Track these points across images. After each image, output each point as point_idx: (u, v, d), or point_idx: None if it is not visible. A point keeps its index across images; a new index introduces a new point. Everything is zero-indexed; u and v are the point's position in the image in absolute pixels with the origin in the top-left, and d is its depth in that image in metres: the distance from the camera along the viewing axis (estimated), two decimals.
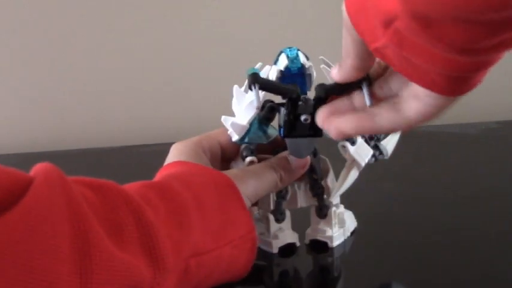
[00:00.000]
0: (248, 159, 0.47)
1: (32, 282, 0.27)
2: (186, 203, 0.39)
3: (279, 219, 0.49)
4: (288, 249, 0.49)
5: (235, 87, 0.46)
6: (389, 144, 0.49)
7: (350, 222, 0.52)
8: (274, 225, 0.49)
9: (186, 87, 0.91)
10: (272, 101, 0.44)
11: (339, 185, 0.49)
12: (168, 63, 0.90)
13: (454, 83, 0.31)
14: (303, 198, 0.49)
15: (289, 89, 0.40)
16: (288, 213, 0.50)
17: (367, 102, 0.37)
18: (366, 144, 0.48)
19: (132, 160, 0.80)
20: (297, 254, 0.49)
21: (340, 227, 0.50)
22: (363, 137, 0.48)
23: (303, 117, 0.41)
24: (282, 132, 0.42)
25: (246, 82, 0.45)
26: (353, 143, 0.47)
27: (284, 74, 0.41)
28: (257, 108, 0.40)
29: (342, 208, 0.51)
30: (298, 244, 0.50)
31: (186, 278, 0.37)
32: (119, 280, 0.31)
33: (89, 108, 0.91)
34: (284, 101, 0.41)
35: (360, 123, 0.37)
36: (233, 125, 0.45)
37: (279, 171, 0.46)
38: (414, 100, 0.35)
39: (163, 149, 0.48)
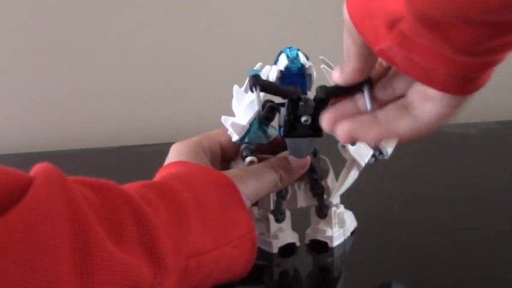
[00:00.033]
0: (248, 159, 0.47)
1: (32, 282, 0.27)
2: (186, 203, 0.39)
3: (279, 219, 0.49)
4: (288, 249, 0.49)
5: (235, 87, 0.46)
6: (389, 144, 0.49)
7: (350, 222, 0.52)
8: (274, 225, 0.49)
9: (186, 87, 0.91)
10: (272, 101, 0.44)
11: (339, 185, 0.49)
12: (168, 63, 0.90)
13: (461, 82, 0.31)
14: (303, 198, 0.49)
15: (290, 91, 0.40)
16: (288, 213, 0.50)
17: (368, 106, 0.37)
18: (365, 144, 0.48)
19: (132, 160, 0.80)
20: (297, 254, 0.49)
21: (340, 227, 0.50)
22: None
23: (303, 119, 0.41)
24: (281, 132, 0.42)
25: (246, 82, 0.45)
26: (353, 143, 0.47)
27: (284, 74, 0.41)
28: (258, 111, 0.40)
29: (342, 208, 0.51)
30: (298, 244, 0.50)
31: (186, 278, 0.37)
32: (120, 280, 0.32)
33: (89, 108, 0.91)
34: (284, 101, 0.42)
35: (378, 132, 0.37)
36: (233, 125, 0.45)
37: (279, 171, 0.46)
38: (427, 102, 0.34)
39: (163, 149, 0.48)
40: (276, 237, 0.49)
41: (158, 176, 0.44)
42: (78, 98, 0.90)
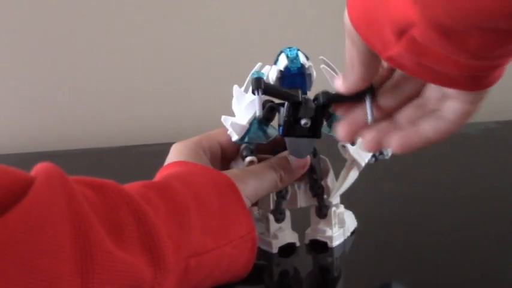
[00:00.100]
0: (248, 159, 0.47)
1: (32, 282, 0.27)
2: (186, 203, 0.39)
3: (279, 219, 0.49)
4: (288, 249, 0.49)
5: (235, 87, 0.46)
6: None
7: (350, 222, 0.52)
8: (274, 225, 0.49)
9: (186, 87, 0.91)
10: (272, 101, 0.44)
11: (339, 185, 0.49)
12: (168, 63, 0.90)
13: (475, 80, 0.31)
14: (302, 198, 0.49)
15: (292, 94, 0.40)
16: (287, 213, 0.50)
17: (369, 118, 0.37)
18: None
19: (132, 160, 0.80)
20: (296, 254, 0.49)
21: (340, 227, 0.50)
22: None
23: (303, 121, 0.41)
24: (281, 130, 0.42)
25: (246, 82, 0.45)
26: (353, 143, 0.47)
27: (284, 74, 0.41)
28: (258, 117, 0.39)
29: (341, 208, 0.51)
30: (298, 244, 0.50)
31: (186, 278, 0.37)
32: (120, 280, 0.32)
33: (89, 108, 0.91)
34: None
35: (403, 137, 0.37)
36: (233, 124, 0.45)
37: (279, 171, 0.46)
38: (447, 101, 0.35)
39: (163, 149, 0.48)
40: (275, 237, 0.49)
41: (158, 176, 0.44)
42: (78, 98, 0.90)
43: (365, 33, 0.32)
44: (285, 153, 0.47)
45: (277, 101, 0.43)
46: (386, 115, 0.38)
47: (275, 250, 0.49)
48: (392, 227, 0.54)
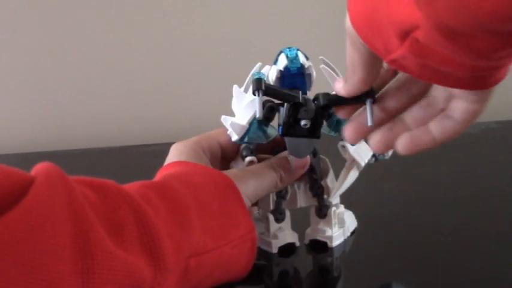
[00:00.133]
0: (248, 159, 0.47)
1: (32, 282, 0.27)
2: (186, 202, 0.39)
3: (279, 219, 0.49)
4: (288, 249, 0.49)
5: (235, 87, 0.46)
6: None
7: (350, 222, 0.52)
8: (274, 225, 0.49)
9: (186, 87, 0.91)
10: (272, 101, 0.44)
11: (339, 185, 0.49)
12: (168, 63, 0.90)
13: (480, 79, 0.31)
14: (302, 198, 0.49)
15: (293, 96, 0.40)
16: (287, 213, 0.50)
17: (369, 122, 0.37)
18: (365, 144, 0.48)
19: (132, 160, 0.80)
20: (296, 253, 0.49)
21: (340, 227, 0.50)
22: None
23: (302, 122, 0.41)
24: (280, 130, 0.43)
25: (246, 82, 0.45)
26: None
27: (283, 74, 0.41)
28: (258, 118, 0.39)
29: (341, 208, 0.51)
30: (297, 244, 0.50)
31: (186, 278, 0.37)
32: (120, 280, 0.32)
33: (89, 108, 0.91)
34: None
35: (411, 136, 0.37)
36: (233, 124, 0.45)
37: (279, 171, 0.46)
38: (454, 100, 0.35)
39: (163, 149, 0.48)
40: (275, 237, 0.49)
41: (158, 176, 0.44)
42: (78, 98, 0.90)
43: (367, 36, 0.31)
44: (284, 153, 0.47)
45: (276, 100, 0.43)
46: (393, 115, 0.38)
47: (275, 250, 0.49)
48: (392, 227, 0.54)
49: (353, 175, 0.49)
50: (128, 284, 0.32)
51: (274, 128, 0.46)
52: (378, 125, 0.38)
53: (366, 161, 0.49)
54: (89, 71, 0.89)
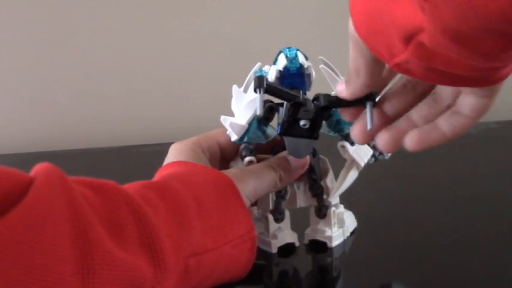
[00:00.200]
0: (247, 159, 0.47)
1: (32, 283, 0.27)
2: (185, 202, 0.39)
3: (278, 219, 0.49)
4: (287, 249, 0.49)
5: (235, 87, 0.46)
6: None
7: (350, 222, 0.52)
8: (273, 225, 0.49)
9: (186, 87, 0.91)
10: (271, 101, 0.44)
11: (338, 185, 0.49)
12: (168, 63, 0.90)
13: (486, 78, 0.31)
14: (302, 198, 0.49)
15: (293, 95, 0.40)
16: (287, 213, 0.50)
17: (368, 125, 0.37)
18: (365, 144, 0.48)
19: (132, 160, 0.80)
20: (296, 254, 0.50)
21: (340, 227, 0.50)
22: None
23: (302, 122, 0.41)
24: (279, 129, 0.43)
25: (246, 81, 0.45)
26: (352, 143, 0.47)
27: (283, 74, 0.41)
28: (258, 115, 0.39)
29: (341, 208, 0.51)
30: (297, 244, 0.50)
31: (186, 278, 0.37)
32: (121, 280, 0.32)
33: (89, 108, 0.91)
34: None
35: (419, 133, 0.36)
36: (232, 124, 0.45)
37: (278, 171, 0.46)
38: (464, 96, 0.34)
39: (163, 149, 0.48)
40: (275, 237, 0.49)
41: (158, 176, 0.44)
42: (78, 98, 0.90)
43: (370, 41, 0.31)
44: (284, 153, 0.47)
45: (276, 100, 0.43)
46: (399, 115, 0.38)
47: (274, 250, 0.49)
48: (392, 227, 0.54)
49: (353, 175, 0.49)
50: (128, 284, 0.32)
51: (273, 128, 0.46)
52: (383, 124, 0.38)
53: (366, 161, 0.49)
54: (89, 71, 0.89)
